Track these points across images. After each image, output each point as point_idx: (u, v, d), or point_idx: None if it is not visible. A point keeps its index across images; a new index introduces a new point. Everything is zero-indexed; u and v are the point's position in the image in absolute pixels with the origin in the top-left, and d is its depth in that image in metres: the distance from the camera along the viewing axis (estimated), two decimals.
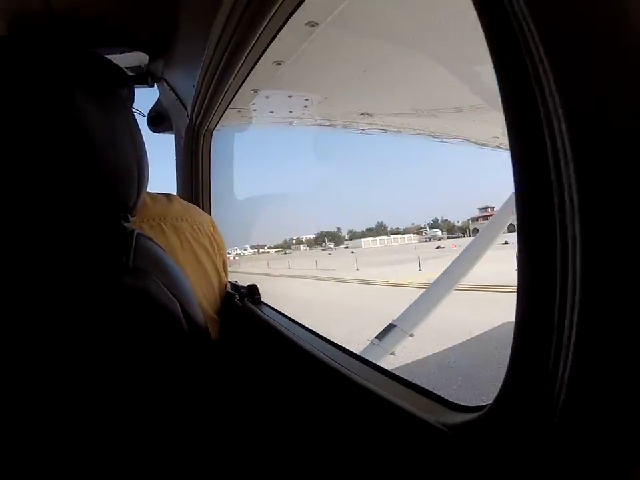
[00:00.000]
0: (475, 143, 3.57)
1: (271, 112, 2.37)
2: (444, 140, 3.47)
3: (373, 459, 0.67)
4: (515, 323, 0.41)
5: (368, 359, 0.83)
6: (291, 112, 2.44)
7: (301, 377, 0.94)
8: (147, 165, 0.89)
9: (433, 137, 3.35)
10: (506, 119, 0.40)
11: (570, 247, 0.35)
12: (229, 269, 1.40)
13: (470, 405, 0.53)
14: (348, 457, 0.75)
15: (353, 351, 0.88)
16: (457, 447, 0.49)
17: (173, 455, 0.89)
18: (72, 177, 0.78)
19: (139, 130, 0.91)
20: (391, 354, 3.48)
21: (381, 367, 0.78)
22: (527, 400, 0.41)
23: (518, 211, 0.39)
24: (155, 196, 1.20)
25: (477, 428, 0.47)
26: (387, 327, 3.66)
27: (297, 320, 1.14)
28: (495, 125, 3.04)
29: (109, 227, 0.84)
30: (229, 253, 1.39)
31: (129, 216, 0.86)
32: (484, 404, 0.48)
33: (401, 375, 0.72)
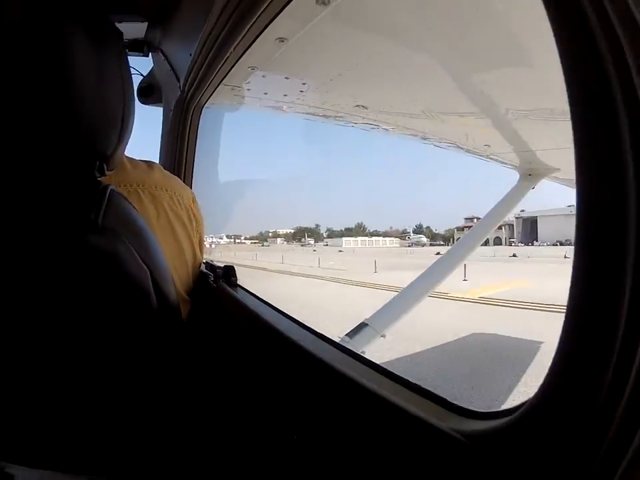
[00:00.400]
0: (465, 149, 3.57)
1: (265, 93, 2.31)
2: (434, 143, 3.46)
3: (369, 465, 0.62)
4: (566, 314, 0.36)
5: None
6: (285, 95, 2.37)
7: (280, 364, 0.89)
8: (132, 116, 0.82)
9: (424, 138, 3.34)
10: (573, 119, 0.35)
11: None
12: (208, 257, 1.35)
13: (487, 411, 0.48)
14: (331, 455, 0.71)
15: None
16: (480, 459, 0.44)
17: (132, 434, 0.84)
18: (43, 108, 0.70)
19: (132, 82, 0.84)
20: (361, 352, 3.46)
21: (371, 361, 0.73)
22: (573, 410, 0.35)
23: (579, 210, 0.34)
24: (136, 162, 1.13)
25: (506, 436, 0.42)
26: (358, 326, 3.65)
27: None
28: (488, 133, 3.04)
29: (81, 176, 0.76)
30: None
31: (105, 167, 0.78)
32: (505, 409, 0.43)
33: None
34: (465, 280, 13.56)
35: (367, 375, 0.67)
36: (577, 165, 0.34)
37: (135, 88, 1.96)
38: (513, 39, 1.72)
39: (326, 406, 0.72)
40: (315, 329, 0.90)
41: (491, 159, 3.69)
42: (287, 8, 1.12)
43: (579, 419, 0.35)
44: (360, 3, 1.36)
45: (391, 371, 0.66)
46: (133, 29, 1.67)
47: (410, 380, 0.62)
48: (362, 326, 3.59)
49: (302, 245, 63.77)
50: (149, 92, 2.04)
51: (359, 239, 68.34)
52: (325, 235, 76.80)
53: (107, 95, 0.76)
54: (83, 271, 0.72)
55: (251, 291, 1.26)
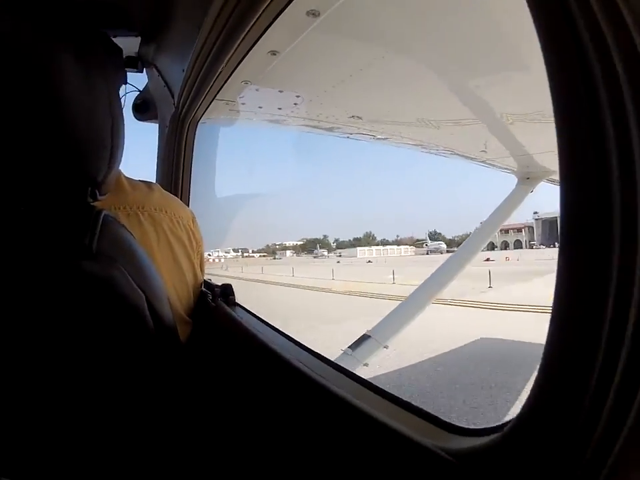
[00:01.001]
0: (462, 155, 3.56)
1: (260, 107, 2.31)
2: (431, 150, 3.46)
3: None
4: (550, 328, 0.35)
5: None
6: (280, 109, 2.38)
7: (277, 386, 0.87)
8: (122, 139, 0.80)
9: (421, 146, 3.33)
10: (556, 117, 0.36)
11: None
12: (225, 273, 1.33)
13: (474, 427, 0.46)
14: (322, 474, 0.69)
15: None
16: (466, 478, 0.42)
17: (128, 454, 0.83)
18: (33, 136, 0.69)
19: (120, 102, 0.83)
20: (364, 365, 3.44)
21: (364, 380, 0.72)
22: (560, 425, 0.34)
23: (563, 211, 0.34)
24: (136, 183, 1.13)
25: (493, 454, 0.40)
26: (360, 337, 3.63)
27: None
28: (484, 138, 3.04)
29: (73, 202, 0.75)
30: (209, 255, 1.31)
31: (97, 192, 0.77)
32: (493, 426, 0.42)
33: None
34: None
35: (358, 391, 0.66)
36: (560, 165, 0.34)
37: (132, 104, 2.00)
38: (508, 41, 1.72)
39: (318, 425, 0.71)
40: (310, 347, 0.89)
41: (489, 164, 3.68)
42: (277, 20, 1.12)
43: (566, 434, 0.34)
44: (350, 13, 1.36)
45: (380, 387, 0.65)
46: (127, 45, 1.68)
47: (398, 396, 0.61)
48: (364, 338, 3.57)
49: (314, 257, 61.41)
50: (145, 108, 2.04)
51: (374, 248, 66.68)
52: (333, 246, 75.21)
53: (94, 117, 0.75)
54: (78, 297, 0.71)
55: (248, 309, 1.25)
